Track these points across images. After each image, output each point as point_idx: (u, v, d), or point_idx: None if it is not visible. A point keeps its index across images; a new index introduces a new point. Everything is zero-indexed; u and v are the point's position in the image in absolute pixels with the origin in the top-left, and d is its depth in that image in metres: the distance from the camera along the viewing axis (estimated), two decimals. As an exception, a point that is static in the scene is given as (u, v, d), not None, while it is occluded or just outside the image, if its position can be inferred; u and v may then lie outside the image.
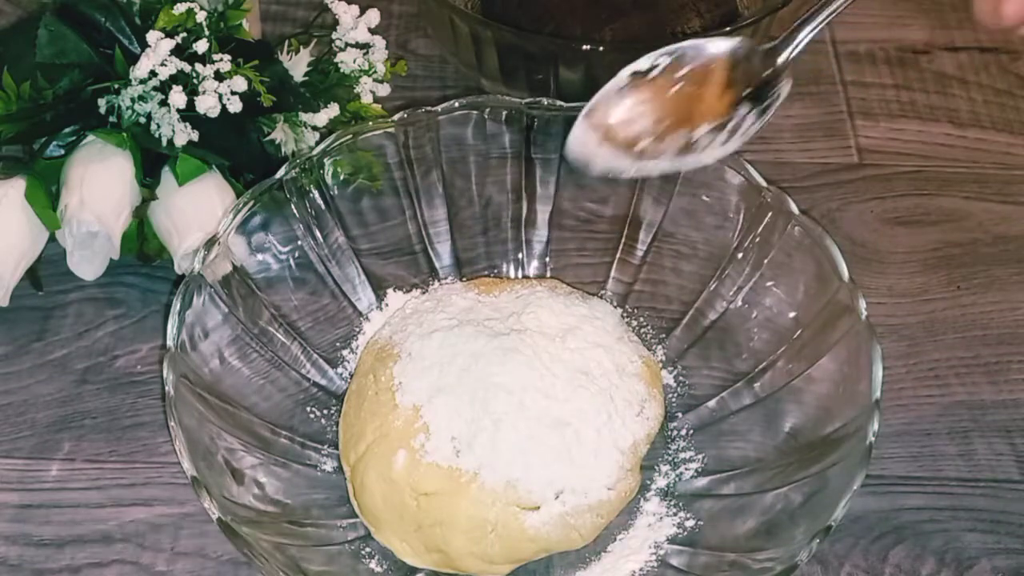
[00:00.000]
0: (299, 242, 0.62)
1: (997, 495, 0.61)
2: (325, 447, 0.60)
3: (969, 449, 0.63)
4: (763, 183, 0.60)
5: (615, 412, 0.56)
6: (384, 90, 0.69)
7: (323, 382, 0.62)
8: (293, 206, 0.61)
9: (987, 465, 0.62)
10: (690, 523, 0.57)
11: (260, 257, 0.61)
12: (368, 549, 0.56)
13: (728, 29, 0.72)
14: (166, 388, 0.53)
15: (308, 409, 0.61)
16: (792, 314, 0.60)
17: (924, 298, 0.70)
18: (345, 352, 0.63)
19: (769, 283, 0.61)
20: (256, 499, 0.55)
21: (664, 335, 0.64)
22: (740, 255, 0.62)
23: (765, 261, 0.61)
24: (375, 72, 0.68)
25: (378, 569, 0.56)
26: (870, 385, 0.53)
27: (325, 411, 0.61)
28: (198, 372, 0.56)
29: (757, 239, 0.61)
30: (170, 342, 0.54)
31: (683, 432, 0.61)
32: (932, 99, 0.82)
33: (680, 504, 0.58)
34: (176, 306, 0.55)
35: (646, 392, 0.58)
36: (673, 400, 0.63)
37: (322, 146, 0.62)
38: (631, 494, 0.57)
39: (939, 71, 0.84)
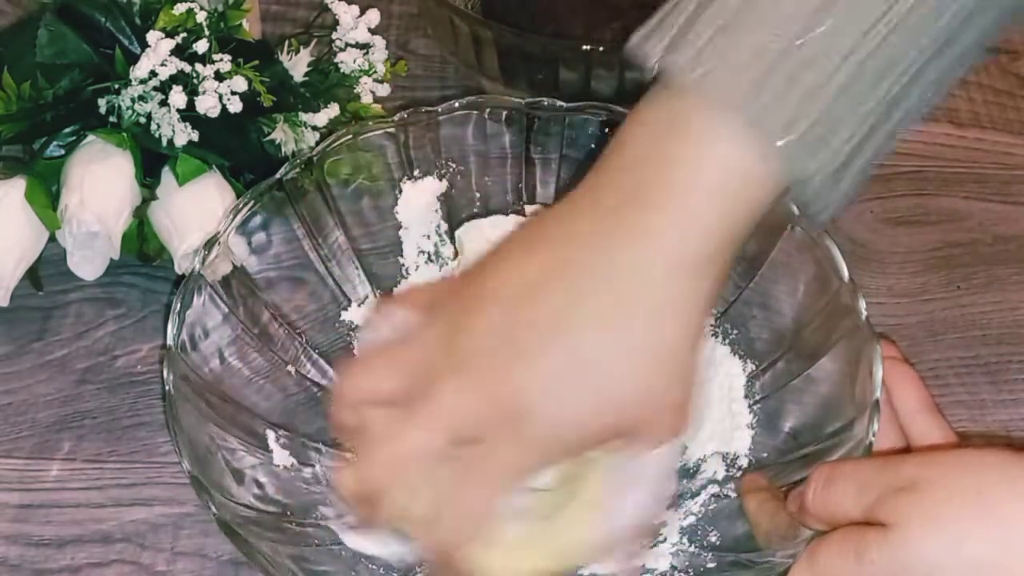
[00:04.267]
0: (299, 242, 0.62)
1: (997, 495, 0.61)
2: (325, 447, 0.60)
3: (969, 449, 0.63)
4: (763, 183, 0.60)
5: None
6: (384, 90, 0.69)
7: (323, 382, 0.62)
8: (293, 206, 0.61)
9: (987, 465, 0.62)
10: (690, 523, 0.58)
11: (260, 257, 0.61)
12: (368, 549, 0.56)
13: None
14: (166, 388, 0.53)
15: (308, 409, 0.61)
16: (792, 314, 0.60)
17: (924, 298, 0.70)
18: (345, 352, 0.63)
19: (769, 283, 0.61)
20: (256, 499, 0.55)
21: (664, 335, 0.64)
22: (740, 255, 0.62)
23: (765, 261, 0.61)
24: (375, 72, 0.68)
25: (378, 570, 0.56)
26: (870, 385, 0.53)
27: (325, 411, 0.61)
28: (198, 372, 0.56)
29: (757, 239, 0.61)
30: (170, 342, 0.54)
31: (683, 432, 0.61)
32: (932, 99, 0.81)
33: (680, 504, 0.58)
34: (176, 306, 0.55)
35: None
36: (673, 400, 0.62)
37: (322, 146, 0.62)
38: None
39: (939, 71, 0.83)
